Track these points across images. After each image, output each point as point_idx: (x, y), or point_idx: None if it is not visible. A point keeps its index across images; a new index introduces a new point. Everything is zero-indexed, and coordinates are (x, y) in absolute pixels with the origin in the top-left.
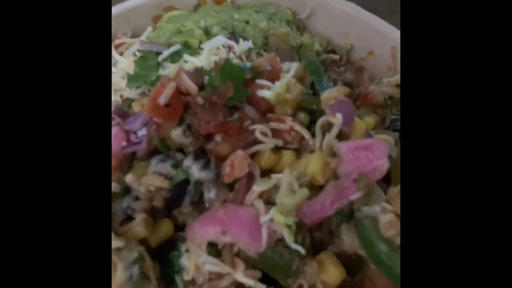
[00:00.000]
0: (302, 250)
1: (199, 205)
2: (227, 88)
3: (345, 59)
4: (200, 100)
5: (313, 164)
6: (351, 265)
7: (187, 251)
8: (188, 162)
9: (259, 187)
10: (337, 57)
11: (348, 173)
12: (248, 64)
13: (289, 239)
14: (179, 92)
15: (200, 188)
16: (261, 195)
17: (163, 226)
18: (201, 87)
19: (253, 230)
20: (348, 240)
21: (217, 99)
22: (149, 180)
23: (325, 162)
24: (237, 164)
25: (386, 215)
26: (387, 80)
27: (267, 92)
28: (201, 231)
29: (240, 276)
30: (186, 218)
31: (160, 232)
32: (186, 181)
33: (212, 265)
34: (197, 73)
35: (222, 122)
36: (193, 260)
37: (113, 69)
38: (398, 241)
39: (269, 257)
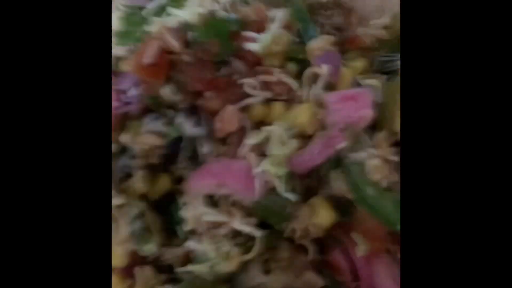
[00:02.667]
0: (293, 198)
1: (195, 159)
2: (213, 45)
3: (333, 0)
4: (186, 57)
5: (301, 116)
6: (341, 207)
7: (185, 204)
8: (180, 119)
9: (250, 140)
10: None
11: (334, 123)
12: (233, 16)
13: (281, 188)
14: (164, 51)
15: (193, 144)
16: (253, 148)
17: (161, 181)
18: (186, 44)
19: (247, 181)
20: (337, 185)
21: (203, 55)
22: (144, 139)
23: (313, 113)
24: (228, 119)
25: (373, 160)
26: (375, 22)
27: (254, 45)
28: (198, 185)
29: (237, 224)
30: (182, 171)
31: (158, 187)
32: (179, 138)
33: (210, 215)
34: (182, 30)
35: (211, 78)
36: (192, 212)
37: None
38: (384, 183)
39: (263, 205)
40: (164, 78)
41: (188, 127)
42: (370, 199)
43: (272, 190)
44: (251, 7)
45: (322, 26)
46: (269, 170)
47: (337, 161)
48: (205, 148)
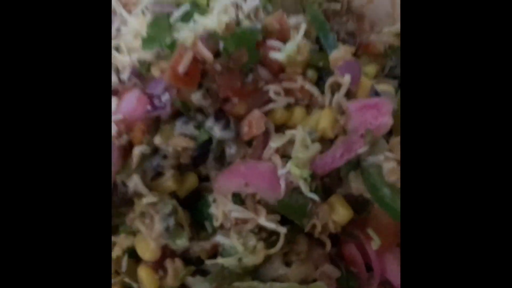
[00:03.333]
0: (316, 198)
1: (222, 160)
2: (242, 54)
3: (346, 7)
4: (217, 67)
5: (323, 121)
6: (358, 205)
7: (214, 201)
8: (210, 123)
9: (275, 143)
10: (338, 6)
11: (356, 128)
12: (258, 26)
13: (305, 189)
14: (196, 60)
15: (222, 146)
16: (277, 150)
17: (189, 179)
18: (216, 53)
19: (272, 181)
20: (355, 185)
21: (233, 65)
22: (176, 141)
23: (335, 118)
24: (254, 123)
25: (389, 163)
26: (387, 30)
27: (279, 54)
28: (226, 184)
29: (263, 220)
30: (209, 170)
31: (187, 185)
32: (209, 140)
33: (237, 212)
34: (211, 39)
35: (239, 85)
36: (221, 209)
37: (123, 28)
38: (399, 185)
39: (286, 203)
40: (196, 85)
41: (217, 130)
42: (386, 198)
43: (294, 189)
44: (274, 16)
45: (337, 33)
46: (293, 172)
47: (356, 163)
48: (232, 150)
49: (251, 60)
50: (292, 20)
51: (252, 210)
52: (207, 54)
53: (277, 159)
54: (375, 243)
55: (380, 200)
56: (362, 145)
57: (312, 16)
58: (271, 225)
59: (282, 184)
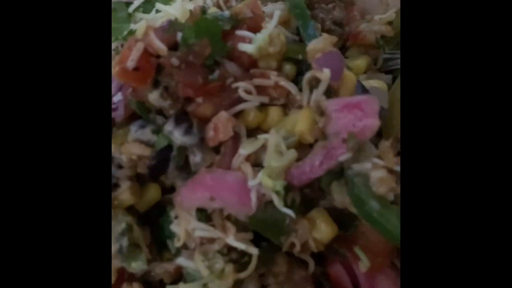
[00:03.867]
0: (292, 214)
1: (185, 169)
2: (204, 46)
3: None
4: (174, 61)
5: (300, 123)
6: (343, 220)
7: (176, 217)
8: (169, 127)
9: (245, 150)
10: None
11: (337, 132)
12: (226, 14)
13: (278, 203)
14: (148, 53)
15: (184, 153)
16: (248, 158)
17: (150, 191)
18: (175, 45)
19: (242, 195)
20: (339, 198)
21: (193, 59)
22: (130, 148)
23: (313, 120)
24: (221, 127)
25: (378, 171)
26: (379, 17)
27: (249, 46)
28: (189, 198)
29: (231, 240)
30: (173, 180)
31: (147, 198)
32: (169, 147)
33: (202, 230)
34: (170, 29)
35: (202, 82)
36: (183, 227)
37: None
38: (391, 197)
39: (259, 219)
40: (150, 83)
41: (178, 135)
42: (374, 213)
43: (269, 203)
44: (246, 2)
45: (322, 22)
46: (265, 183)
47: (339, 172)
48: (197, 158)
49: (216, 52)
50: (269, 7)
51: (220, 228)
52: (160, 46)
53: (247, 168)
54: (363, 264)
55: (366, 215)
56: (344, 151)
57: (291, 2)
58: (240, 245)
59: (253, 197)
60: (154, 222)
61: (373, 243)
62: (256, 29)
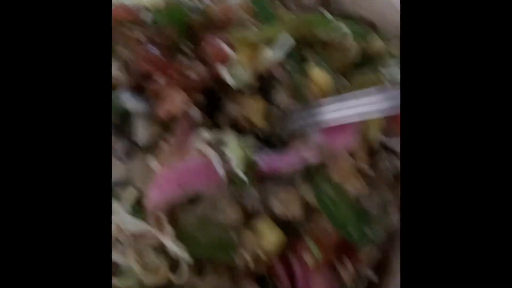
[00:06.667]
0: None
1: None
2: (169, 30)
3: None
4: (137, 34)
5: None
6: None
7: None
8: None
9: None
10: None
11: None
12: (199, 6)
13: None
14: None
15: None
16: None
17: None
18: (141, 23)
19: (209, 174)
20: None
21: (157, 37)
22: None
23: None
24: (174, 99)
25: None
26: None
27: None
28: (158, 197)
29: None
30: None
31: None
32: None
33: (133, 225)
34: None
35: (161, 60)
36: (115, 220)
37: None
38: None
39: (202, 242)
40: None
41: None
42: (332, 203)
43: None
44: (220, 9)
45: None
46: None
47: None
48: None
49: (181, 41)
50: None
51: (155, 223)
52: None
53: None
54: (313, 257)
55: (322, 203)
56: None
57: None
58: (173, 247)
59: (220, 170)
60: None
61: (323, 236)
62: (224, 29)
